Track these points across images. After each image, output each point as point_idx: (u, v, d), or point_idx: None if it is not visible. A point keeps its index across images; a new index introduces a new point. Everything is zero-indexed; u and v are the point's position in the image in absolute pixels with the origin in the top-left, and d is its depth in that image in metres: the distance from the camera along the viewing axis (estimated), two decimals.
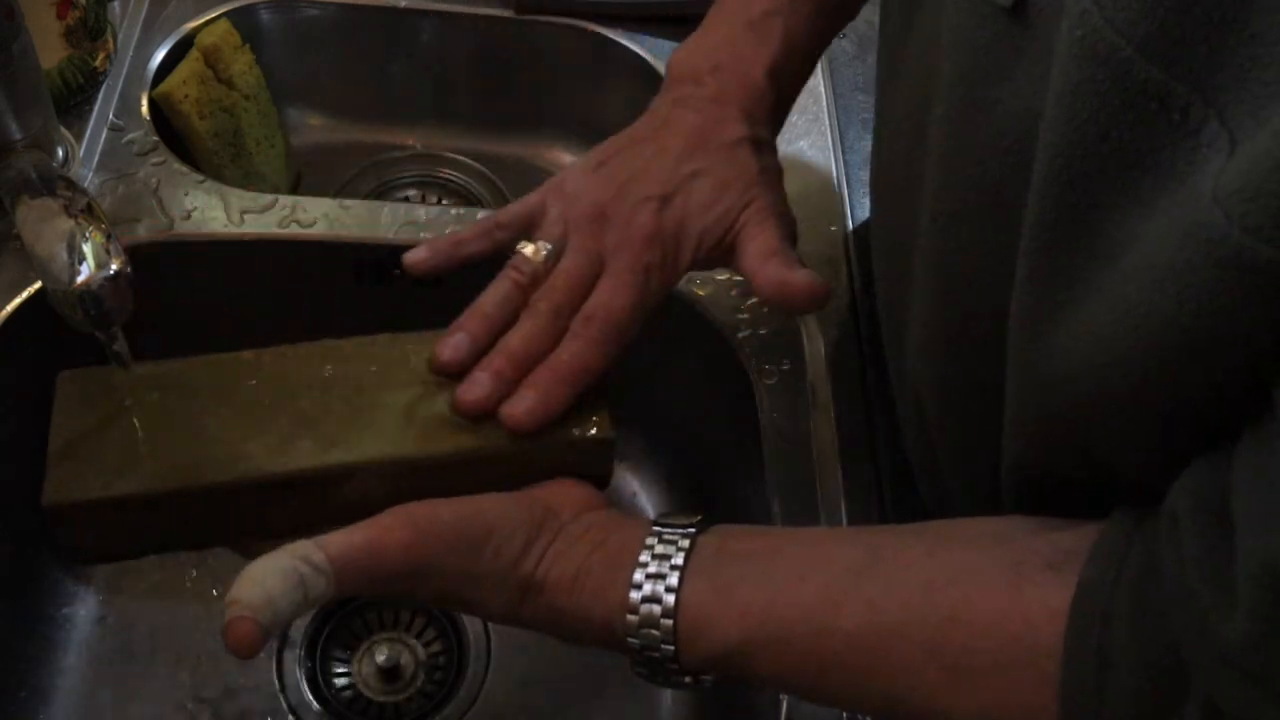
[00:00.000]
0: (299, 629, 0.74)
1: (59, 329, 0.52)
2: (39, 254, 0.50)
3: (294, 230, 0.73)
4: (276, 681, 0.72)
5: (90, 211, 0.52)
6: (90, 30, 0.76)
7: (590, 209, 0.55)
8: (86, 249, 0.50)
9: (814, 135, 0.83)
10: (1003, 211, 0.41)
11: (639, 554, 0.46)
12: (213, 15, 0.85)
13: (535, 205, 0.57)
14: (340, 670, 0.73)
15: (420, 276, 0.57)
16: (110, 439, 0.49)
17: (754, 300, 0.73)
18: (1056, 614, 0.37)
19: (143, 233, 0.71)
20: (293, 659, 0.73)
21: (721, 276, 0.73)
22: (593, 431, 0.51)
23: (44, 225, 0.51)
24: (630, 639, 0.46)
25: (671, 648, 0.45)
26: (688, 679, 0.47)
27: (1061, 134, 0.35)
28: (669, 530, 0.47)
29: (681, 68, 0.60)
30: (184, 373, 0.53)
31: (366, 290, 0.75)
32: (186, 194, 0.73)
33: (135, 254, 0.52)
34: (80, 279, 0.49)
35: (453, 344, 0.52)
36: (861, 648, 0.42)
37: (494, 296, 0.54)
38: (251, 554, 0.45)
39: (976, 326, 0.45)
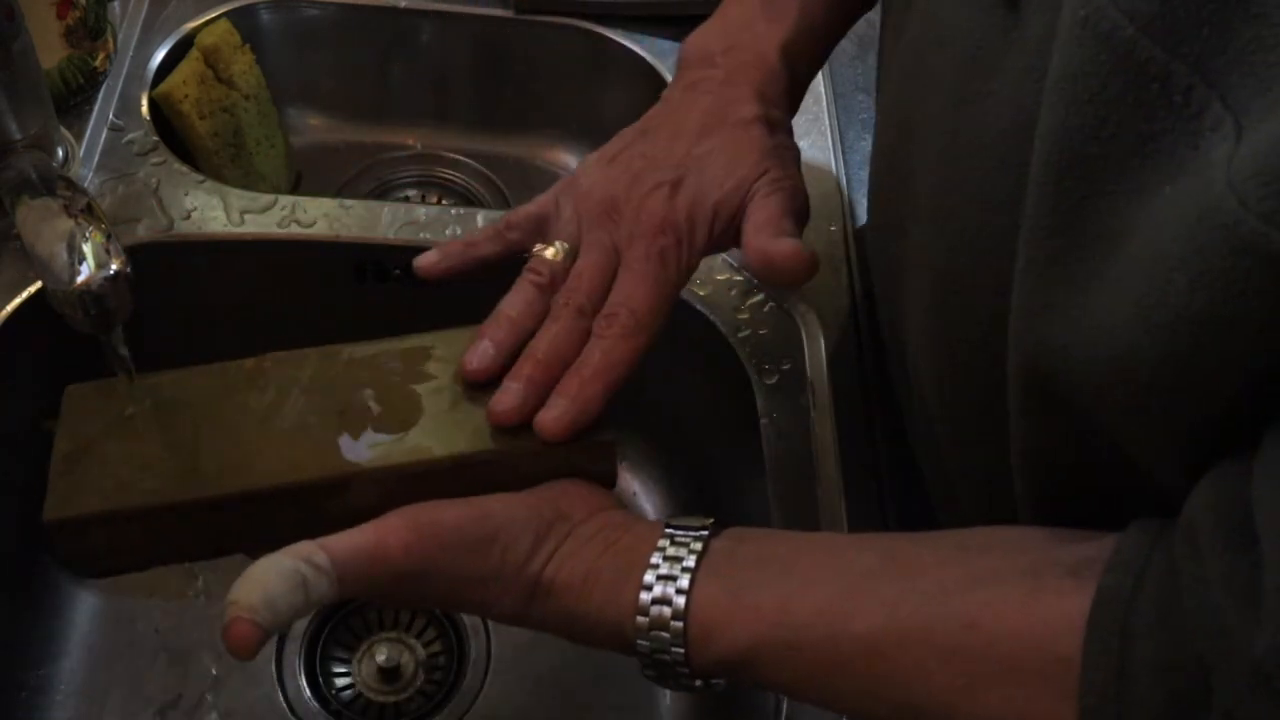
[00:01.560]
0: (299, 629, 0.74)
1: (59, 329, 0.52)
2: (39, 254, 0.50)
3: (294, 230, 0.73)
4: (276, 681, 0.72)
5: (90, 211, 0.52)
6: (90, 30, 0.76)
7: (601, 203, 0.55)
8: (86, 249, 0.50)
9: (814, 135, 0.83)
10: (997, 208, 0.41)
11: (650, 556, 0.46)
12: (213, 15, 0.85)
13: (547, 204, 0.57)
14: (340, 670, 0.73)
15: (433, 281, 0.56)
16: (111, 452, 0.49)
17: (754, 300, 0.73)
18: (1075, 623, 0.36)
19: (143, 233, 0.71)
20: (293, 659, 0.73)
21: (721, 276, 0.73)
22: (591, 434, 0.51)
23: (44, 225, 0.51)
24: (640, 641, 0.45)
25: (681, 650, 0.44)
26: (698, 682, 0.46)
27: (1061, 118, 0.34)
28: (681, 533, 0.47)
29: (694, 51, 0.59)
30: (184, 383, 0.52)
31: (367, 290, 0.75)
32: (186, 194, 0.73)
33: (135, 254, 0.52)
34: (80, 279, 0.49)
35: (479, 353, 0.51)
36: (876, 653, 0.41)
37: (515, 301, 0.53)
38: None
39: (974, 323, 0.45)
